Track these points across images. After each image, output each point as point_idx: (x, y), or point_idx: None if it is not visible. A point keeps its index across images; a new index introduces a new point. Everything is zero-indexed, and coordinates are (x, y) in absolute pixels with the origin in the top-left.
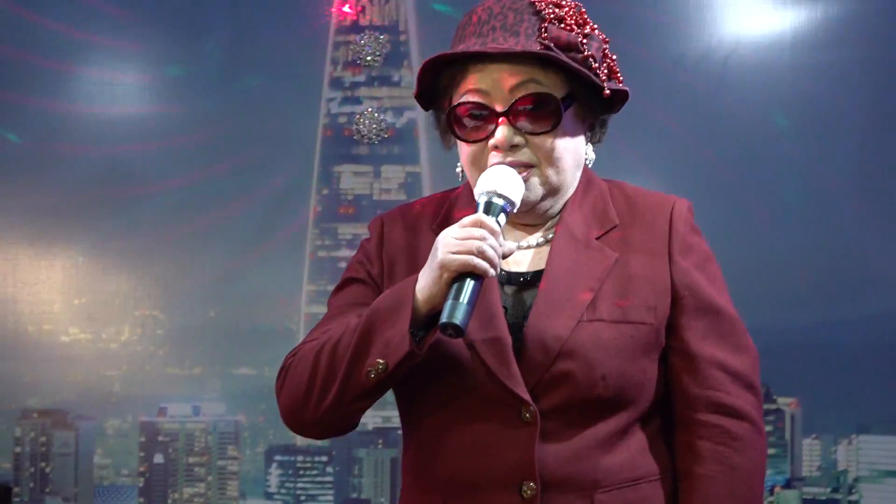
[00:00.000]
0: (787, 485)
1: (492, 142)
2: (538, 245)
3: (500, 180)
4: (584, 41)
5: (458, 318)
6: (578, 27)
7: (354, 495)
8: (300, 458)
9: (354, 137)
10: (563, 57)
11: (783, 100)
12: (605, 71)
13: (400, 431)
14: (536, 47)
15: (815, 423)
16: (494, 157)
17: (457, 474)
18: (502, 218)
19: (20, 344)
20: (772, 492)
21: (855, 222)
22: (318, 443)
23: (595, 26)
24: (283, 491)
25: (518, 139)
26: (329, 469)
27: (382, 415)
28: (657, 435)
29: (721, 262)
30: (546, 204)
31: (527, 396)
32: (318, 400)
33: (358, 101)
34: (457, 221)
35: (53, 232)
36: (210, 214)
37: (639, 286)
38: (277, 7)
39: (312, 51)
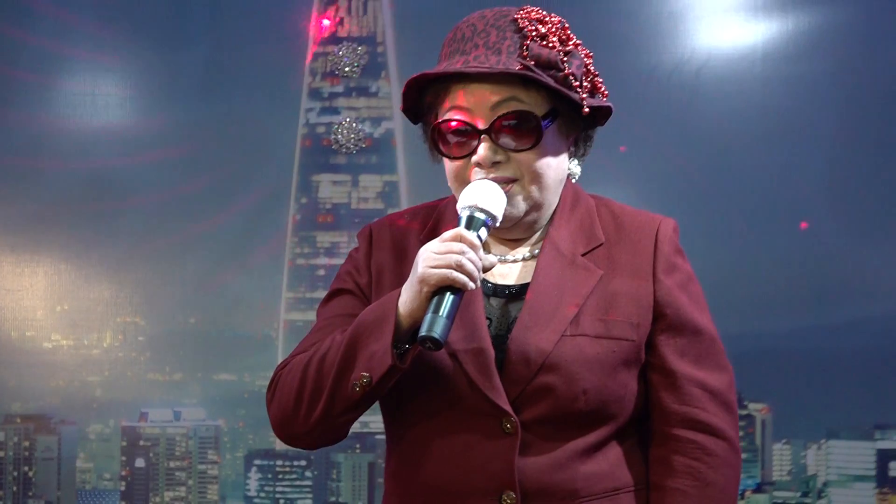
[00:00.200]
0: (758, 489)
1: (474, 158)
2: (524, 259)
3: (482, 195)
4: (566, 59)
5: (437, 332)
6: (562, 44)
7: (333, 499)
8: (279, 462)
9: (333, 147)
10: (542, 76)
11: (755, 110)
12: (588, 87)
13: (377, 437)
14: (517, 66)
15: (786, 429)
16: (477, 173)
17: (439, 482)
18: (483, 232)
19: (3, 350)
20: (743, 496)
21: (826, 231)
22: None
23: (579, 42)
24: (262, 495)
25: (500, 156)
26: (308, 473)
27: (360, 420)
28: (635, 448)
29: (694, 270)
30: (530, 218)
31: (508, 408)
32: (307, 412)
33: (336, 111)
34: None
35: (36, 240)
36: (190, 223)
37: (622, 303)
38: (256, 19)
39: (291, 62)
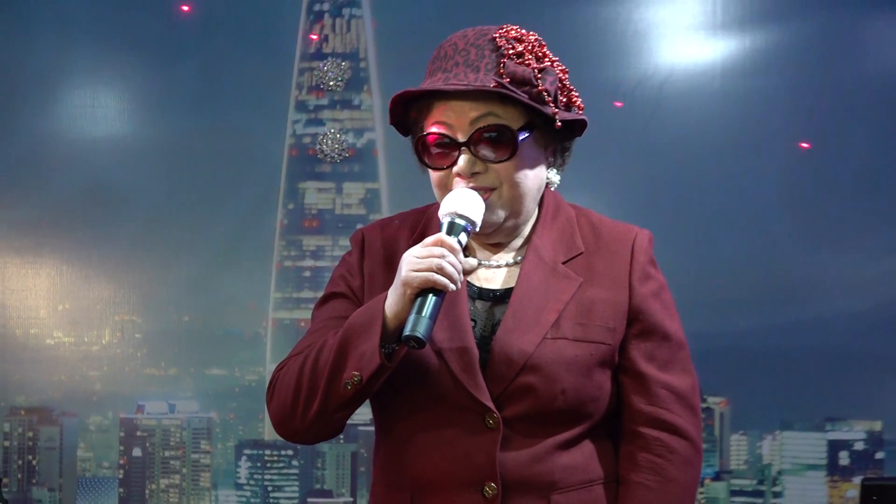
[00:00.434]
0: (717, 477)
1: (455, 169)
2: (508, 265)
3: (462, 202)
4: (540, 75)
5: (420, 331)
6: (537, 61)
7: (318, 486)
8: (267, 451)
9: (318, 156)
10: (516, 92)
11: (714, 122)
12: (564, 101)
13: (360, 428)
14: (492, 83)
15: (743, 421)
16: (458, 182)
17: (425, 474)
18: (463, 237)
19: (8, 346)
20: (702, 484)
21: (781, 237)
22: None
23: (555, 59)
24: (251, 482)
25: (479, 167)
26: (294, 462)
27: None
28: (607, 443)
29: None
30: (509, 224)
31: (490, 404)
32: (304, 410)
33: (321, 122)
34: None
35: (40, 243)
36: (184, 227)
37: (600, 309)
38: (246, 37)
39: (279, 77)
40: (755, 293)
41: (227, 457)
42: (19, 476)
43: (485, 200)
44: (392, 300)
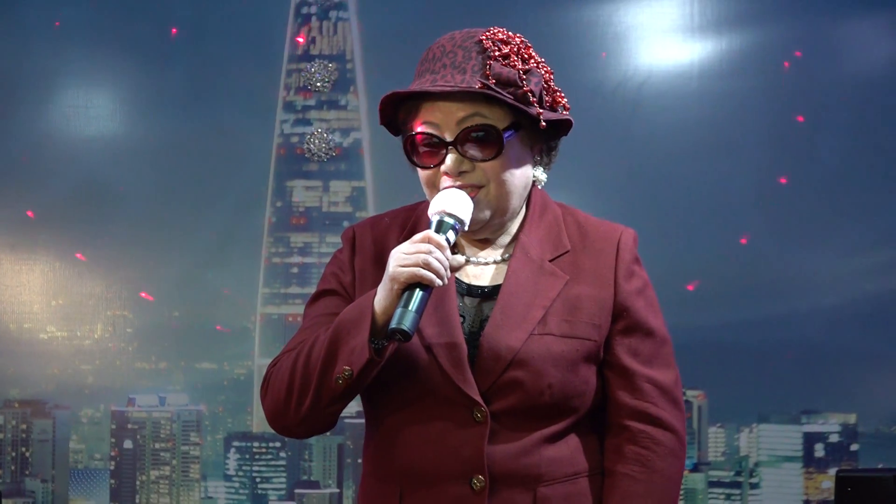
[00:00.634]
0: (695, 469)
1: (442, 168)
2: (496, 262)
3: (450, 201)
4: (525, 77)
5: (406, 325)
6: (523, 62)
7: (305, 477)
8: (256, 443)
9: (305, 155)
10: (501, 94)
11: (691, 123)
12: (549, 101)
13: (346, 421)
14: (478, 84)
15: (720, 413)
16: (446, 180)
17: (414, 466)
18: (451, 235)
19: (2, 340)
20: None
21: (756, 233)
22: (273, 430)
23: (541, 61)
24: (240, 473)
25: (465, 165)
26: (282, 454)
27: None
28: (592, 437)
29: None
30: (496, 221)
31: (479, 399)
32: (297, 405)
33: (309, 122)
34: None
35: (34, 240)
36: (175, 224)
37: (586, 306)
38: (235, 39)
39: (267, 78)
40: (731, 288)
41: (217, 449)
42: (13, 467)
43: (472, 198)
44: (381, 296)
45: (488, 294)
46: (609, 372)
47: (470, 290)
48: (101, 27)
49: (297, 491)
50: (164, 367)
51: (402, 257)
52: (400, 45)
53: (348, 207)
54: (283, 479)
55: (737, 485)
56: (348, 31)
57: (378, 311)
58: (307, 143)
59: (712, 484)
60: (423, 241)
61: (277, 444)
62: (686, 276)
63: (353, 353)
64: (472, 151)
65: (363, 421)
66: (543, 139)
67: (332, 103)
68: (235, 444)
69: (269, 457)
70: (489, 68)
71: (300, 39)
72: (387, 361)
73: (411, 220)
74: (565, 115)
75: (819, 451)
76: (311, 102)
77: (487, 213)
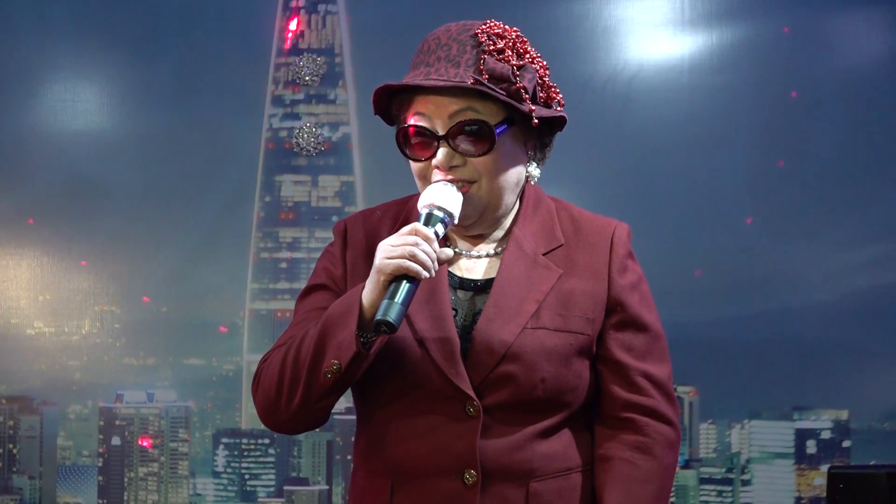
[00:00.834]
0: (686, 465)
1: (434, 162)
2: (489, 256)
3: (440, 195)
4: (518, 72)
5: (391, 316)
6: (518, 57)
7: (294, 474)
8: (244, 440)
9: (294, 150)
10: (494, 89)
11: (681, 117)
12: (543, 97)
13: (336, 417)
14: (470, 79)
15: (712, 410)
16: (437, 174)
17: (405, 461)
18: (440, 228)
19: None
20: None
21: (746, 229)
22: (261, 426)
23: (536, 56)
24: (229, 470)
25: (457, 160)
26: (271, 450)
27: None
28: (584, 432)
29: None
30: (488, 216)
31: (471, 393)
32: (288, 401)
33: (297, 117)
34: None
35: (20, 235)
36: (163, 219)
37: (579, 300)
38: (223, 33)
39: (256, 72)
40: (723, 284)
41: (205, 445)
42: (0, 464)
43: (464, 193)
44: (368, 289)
45: (481, 287)
46: (602, 367)
47: (462, 284)
48: (89, 21)
49: (286, 488)
50: (152, 363)
51: (389, 249)
52: (389, 39)
53: (337, 202)
54: (272, 476)
55: (728, 481)
56: (337, 24)
57: (366, 303)
58: (296, 138)
59: (704, 480)
60: (411, 233)
61: (266, 441)
62: (677, 271)
63: (340, 346)
64: (464, 146)
65: (352, 417)
66: (537, 135)
67: (320, 97)
68: (224, 440)
69: (258, 453)
70: (483, 63)
71: (289, 33)
72: (378, 355)
73: (403, 214)
74: (559, 111)
75: (811, 447)
76: (300, 97)
77: (479, 209)
